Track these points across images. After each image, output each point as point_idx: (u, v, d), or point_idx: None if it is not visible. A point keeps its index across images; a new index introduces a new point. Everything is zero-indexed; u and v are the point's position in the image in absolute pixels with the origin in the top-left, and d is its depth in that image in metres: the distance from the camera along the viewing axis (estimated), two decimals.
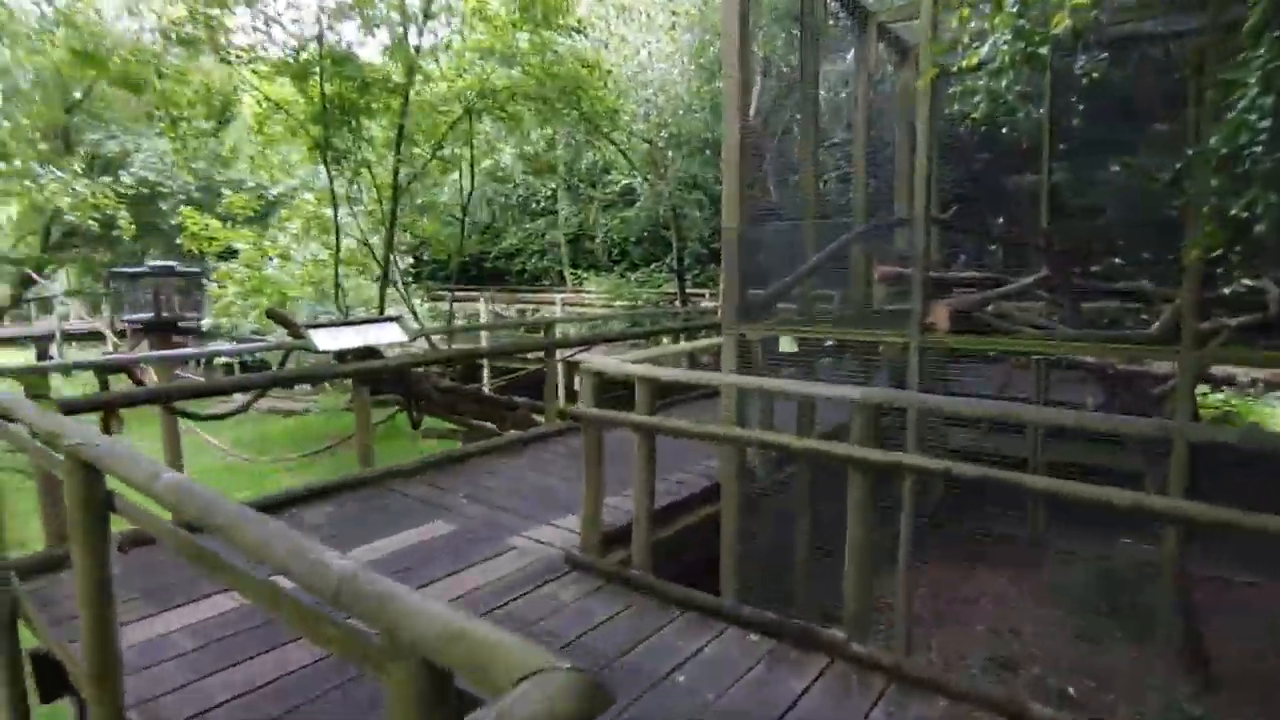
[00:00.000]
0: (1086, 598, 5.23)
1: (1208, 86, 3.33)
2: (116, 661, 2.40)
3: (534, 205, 19.94)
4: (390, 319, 5.94)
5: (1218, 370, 5.68)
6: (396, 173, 9.25)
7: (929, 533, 4.83)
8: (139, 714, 2.57)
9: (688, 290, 15.20)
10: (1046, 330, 4.76)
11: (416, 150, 9.85)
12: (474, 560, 4.00)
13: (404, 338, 5.78)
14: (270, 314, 5.92)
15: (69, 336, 19.26)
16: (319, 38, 8.28)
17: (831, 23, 6.89)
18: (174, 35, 7.51)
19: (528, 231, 19.95)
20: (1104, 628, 5.02)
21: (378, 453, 5.78)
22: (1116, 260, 6.79)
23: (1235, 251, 3.64)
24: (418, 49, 9.11)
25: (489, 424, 7.53)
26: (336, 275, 9.40)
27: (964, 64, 3.77)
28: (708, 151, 13.36)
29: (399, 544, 4.25)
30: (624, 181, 16.77)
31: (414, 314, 10.89)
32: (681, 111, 13.38)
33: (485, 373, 13.98)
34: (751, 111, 11.18)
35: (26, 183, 8.61)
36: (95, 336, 15.85)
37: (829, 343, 5.26)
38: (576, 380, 4.07)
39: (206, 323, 10.25)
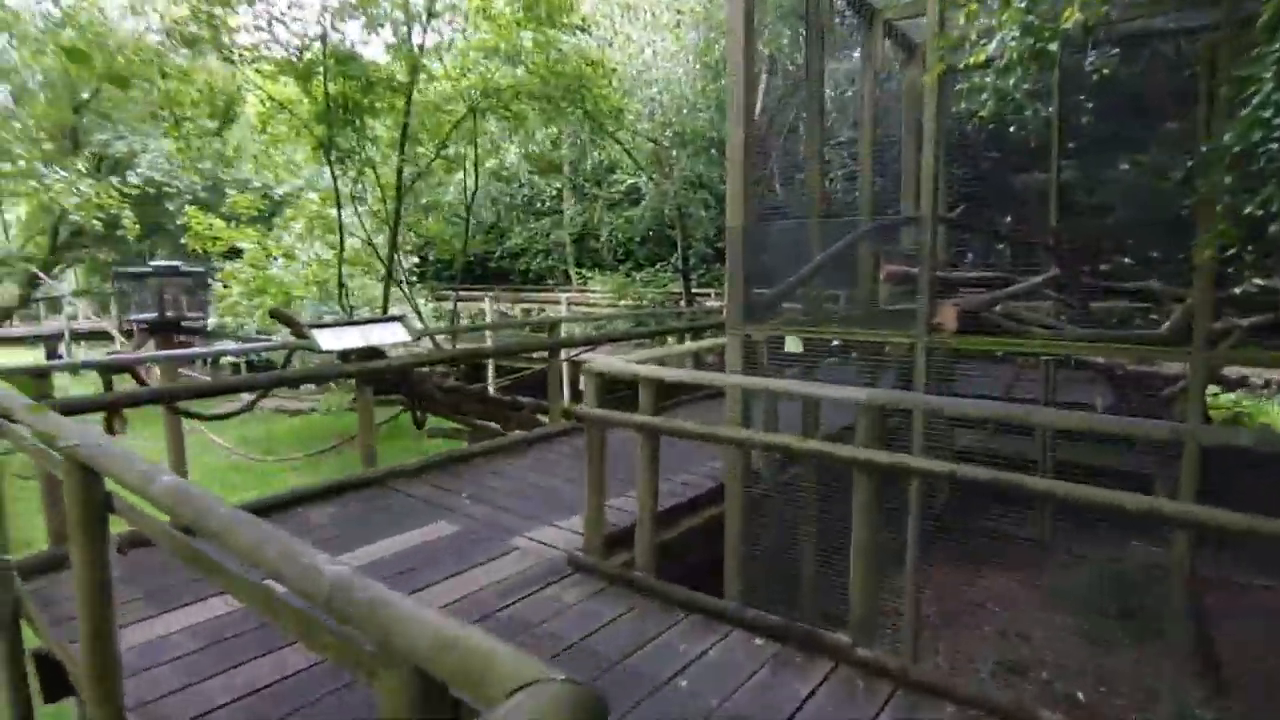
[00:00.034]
0: (1096, 601, 5.18)
1: (1221, 83, 3.27)
2: (116, 663, 2.39)
3: (539, 205, 19.92)
4: (394, 319, 5.93)
5: (1230, 371, 5.61)
6: (400, 172, 9.24)
7: (936, 535, 4.79)
8: (138, 716, 2.56)
9: (693, 290, 15.15)
10: (1055, 330, 4.70)
11: (421, 150, 9.84)
12: (477, 561, 3.98)
13: (407, 337, 5.76)
14: (274, 313, 5.91)
15: (77, 336, 19.36)
16: (323, 37, 8.27)
17: (838, 20, 6.85)
18: (177, 35, 7.51)
19: (532, 231, 19.93)
20: (1113, 631, 4.96)
21: (382, 452, 5.77)
22: (1126, 259, 6.73)
23: (1249, 250, 3.59)
24: (421, 48, 9.10)
25: (493, 424, 7.51)
26: (340, 275, 9.40)
27: (971, 61, 3.72)
28: (713, 150, 13.31)
29: (402, 544, 4.23)
30: (629, 181, 16.73)
31: (418, 313, 10.89)
32: (686, 110, 13.33)
33: (490, 372, 13.98)
34: (757, 110, 11.15)
35: (32, 183, 8.64)
36: (102, 336, 15.92)
37: (835, 343, 5.21)
38: (581, 380, 4.04)
39: (211, 322, 10.27)
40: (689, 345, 8.49)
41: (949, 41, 3.92)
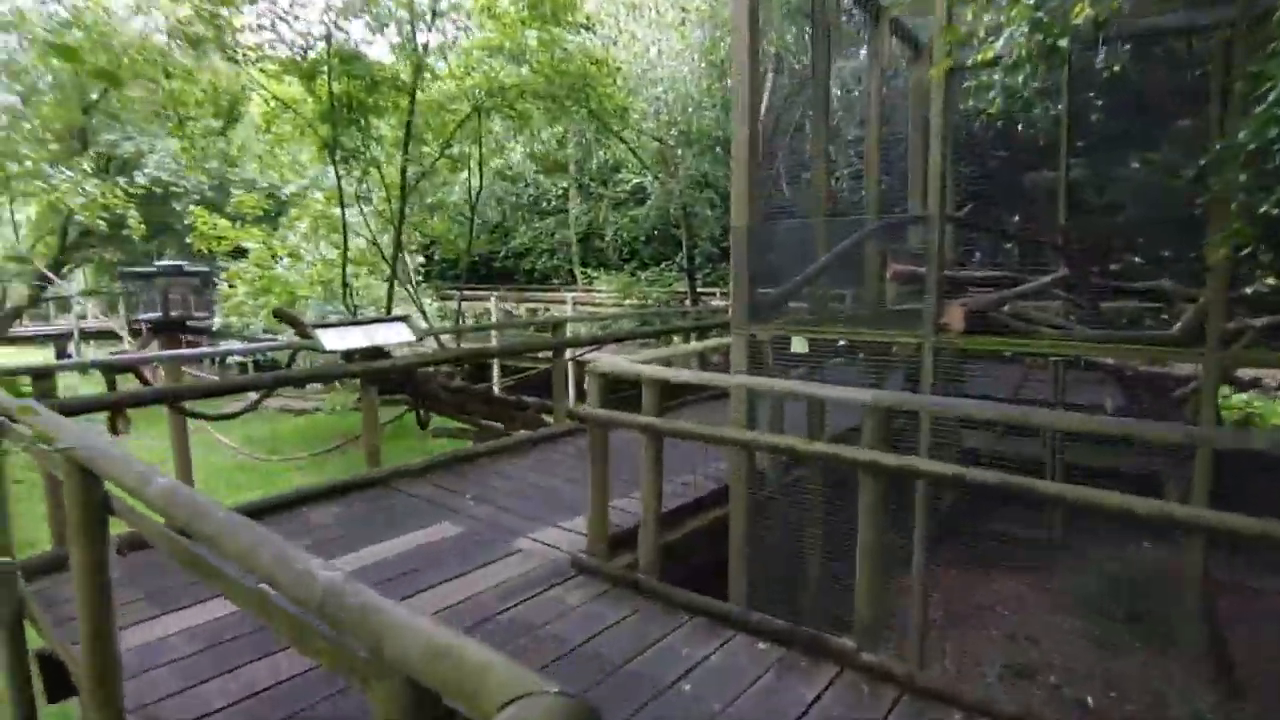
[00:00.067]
0: (1105, 603, 5.12)
1: (1235, 79, 3.22)
2: (116, 665, 2.37)
3: (545, 204, 19.91)
4: (398, 318, 5.92)
5: (1242, 373, 5.54)
6: (404, 172, 9.24)
7: (943, 537, 4.75)
8: (138, 718, 2.55)
9: (698, 289, 15.11)
10: (1064, 330, 4.65)
11: (425, 149, 9.83)
12: (480, 563, 3.96)
13: (411, 337, 5.75)
14: (278, 313, 5.91)
15: (86, 335, 19.48)
16: (327, 37, 8.27)
17: (844, 18, 6.80)
18: (182, 35, 7.52)
19: (537, 230, 19.92)
20: (1123, 635, 4.90)
21: (387, 451, 5.76)
22: (1135, 259, 6.66)
23: (1264, 249, 3.53)
24: (425, 46, 9.09)
25: (497, 424, 7.50)
26: (344, 275, 9.40)
27: (978, 58, 3.68)
28: (719, 149, 13.26)
29: (405, 545, 4.21)
30: (634, 180, 16.70)
31: (423, 313, 10.88)
32: (691, 109, 13.28)
33: (495, 372, 13.97)
34: (763, 109, 11.11)
35: (38, 183, 8.67)
36: (110, 335, 16.02)
37: (841, 343, 5.17)
38: (586, 379, 4.01)
39: (217, 322, 10.29)
40: (694, 345, 8.45)
41: (956, 36, 3.87)
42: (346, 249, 9.46)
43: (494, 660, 1.03)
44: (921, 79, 6.16)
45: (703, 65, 13.05)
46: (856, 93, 10.18)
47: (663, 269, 17.01)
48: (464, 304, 14.67)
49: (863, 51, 7.18)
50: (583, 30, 9.50)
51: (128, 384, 4.78)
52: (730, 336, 4.82)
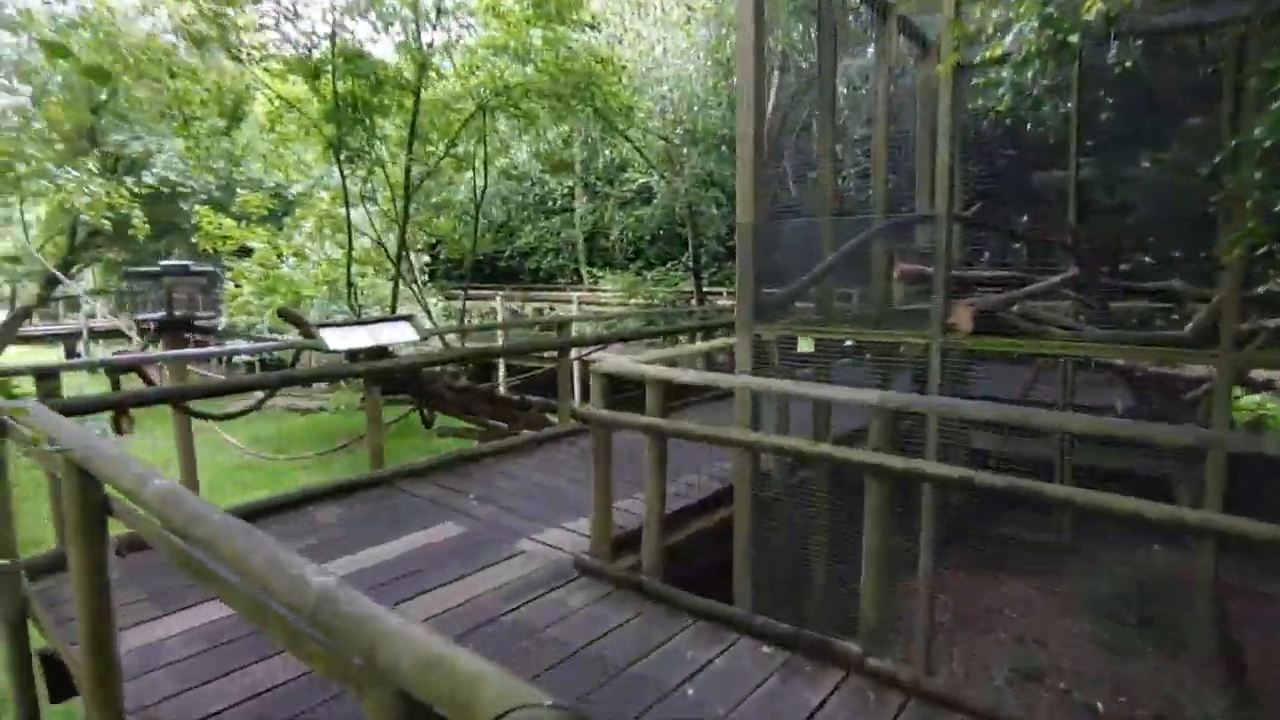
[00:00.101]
0: (1115, 607, 5.06)
1: (1250, 75, 3.16)
2: (115, 667, 2.36)
3: (550, 203, 19.90)
4: (402, 318, 5.90)
5: (1256, 374, 5.46)
6: (408, 171, 9.22)
7: (951, 539, 4.70)
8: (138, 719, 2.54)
9: (705, 289, 15.07)
10: (1074, 331, 4.59)
11: (430, 148, 9.82)
12: (483, 564, 3.94)
13: (416, 337, 5.74)
14: (282, 313, 5.91)
15: (95, 335, 19.61)
16: (331, 35, 8.26)
17: (851, 16, 6.75)
18: (186, 34, 7.52)
19: (543, 230, 19.91)
20: (1133, 638, 4.85)
21: (392, 450, 5.75)
22: (1146, 259, 6.58)
23: (1279, 248, 3.47)
24: (430, 45, 9.07)
25: (502, 424, 7.49)
26: (349, 274, 9.40)
27: (987, 55, 3.63)
28: (725, 148, 13.22)
29: (408, 546, 4.20)
30: (641, 179, 16.67)
31: (427, 313, 10.87)
32: (697, 108, 13.25)
33: (501, 371, 13.96)
34: (769, 107, 11.06)
35: (44, 182, 8.71)
36: (119, 335, 16.10)
37: (848, 343, 5.12)
38: (590, 379, 3.99)
39: (223, 322, 10.30)
40: (700, 345, 8.42)
41: (963, 31, 3.82)
42: (351, 248, 9.45)
43: (486, 671, 1.00)
44: (929, 77, 6.11)
45: (708, 63, 13.00)
46: (864, 91, 10.12)
47: (669, 268, 16.97)
48: (470, 303, 14.67)
49: (870, 49, 7.13)
50: (587, 29, 9.46)
51: (132, 384, 4.79)
52: (735, 336, 4.79)
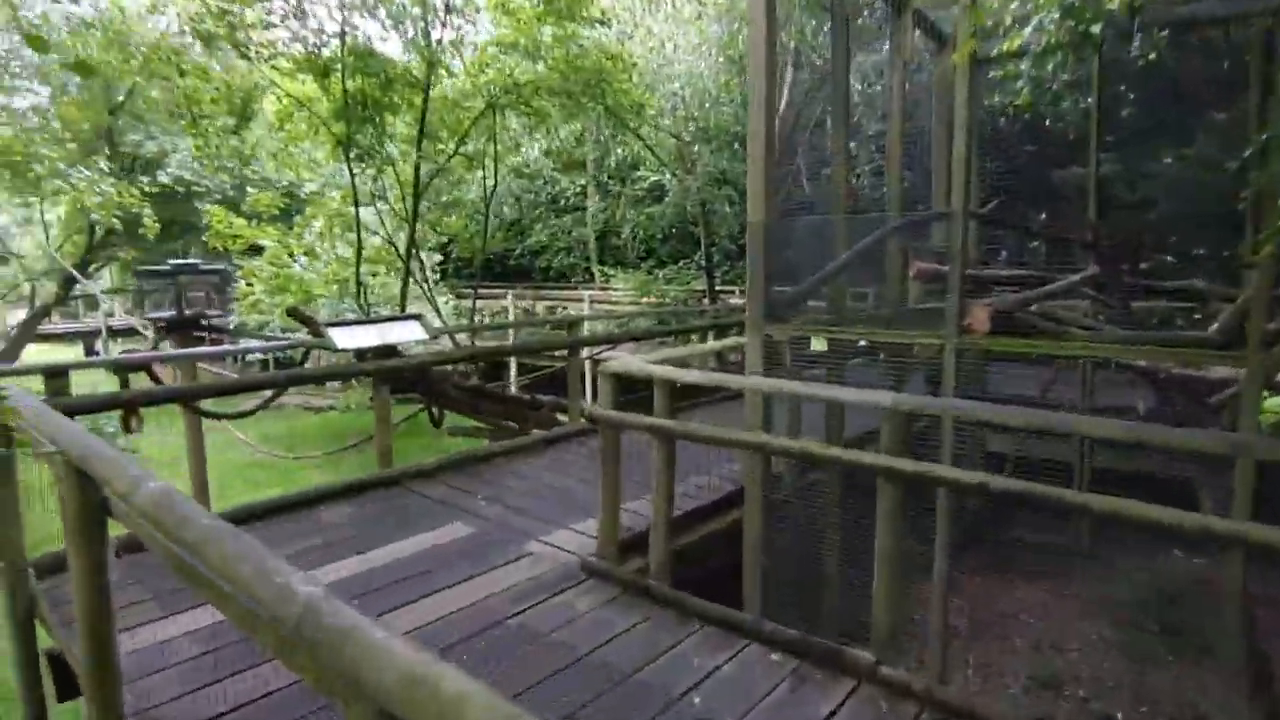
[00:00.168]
0: (1136, 613, 4.95)
1: (1279, 68, 3.04)
2: (115, 669, 2.34)
3: (562, 202, 19.87)
4: (411, 317, 5.88)
5: None
6: (418, 169, 9.21)
7: (966, 543, 4.61)
8: None
9: (717, 287, 14.98)
10: (1094, 331, 4.48)
11: (440, 146, 9.80)
12: (490, 565, 3.90)
13: (424, 336, 5.71)
14: (290, 312, 5.90)
15: (114, 332, 19.86)
16: (341, 33, 8.26)
17: (865, 11, 6.66)
18: (194, 32, 7.55)
19: (554, 228, 19.89)
20: (1154, 646, 4.73)
21: (402, 449, 5.72)
22: (1167, 257, 6.44)
23: None
24: (439, 42, 9.05)
25: (512, 423, 7.46)
26: (358, 273, 9.40)
27: (1005, 47, 3.54)
28: (737, 146, 13.11)
29: (416, 546, 4.17)
30: (653, 178, 16.60)
31: (437, 311, 10.86)
32: (709, 105, 13.16)
33: (513, 370, 13.96)
34: (782, 104, 10.97)
35: (58, 181, 8.79)
36: (134, 333, 16.28)
37: (861, 343, 5.04)
38: (598, 379, 3.94)
39: (234, 320, 10.35)
40: (711, 344, 8.34)
41: (980, 21, 3.71)
42: (360, 247, 9.46)
43: (471, 690, 0.95)
44: (945, 72, 6.00)
45: (720, 60, 12.91)
46: (878, 87, 10.00)
47: (680, 267, 16.90)
48: (481, 302, 14.66)
49: (885, 44, 7.02)
50: (598, 25, 9.39)
51: (141, 382, 4.79)
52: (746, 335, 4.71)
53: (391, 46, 9.42)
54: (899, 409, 2.90)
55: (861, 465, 2.94)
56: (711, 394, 7.75)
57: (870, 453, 2.99)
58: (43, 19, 8.51)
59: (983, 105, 5.10)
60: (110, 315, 20.14)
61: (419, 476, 5.33)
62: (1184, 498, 4.18)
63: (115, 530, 2.32)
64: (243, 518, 4.51)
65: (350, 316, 8.37)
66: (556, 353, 9.21)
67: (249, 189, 11.80)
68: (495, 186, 11.74)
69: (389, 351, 5.46)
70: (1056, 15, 3.03)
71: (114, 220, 9.13)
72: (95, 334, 20.58)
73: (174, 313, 6.07)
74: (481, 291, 14.34)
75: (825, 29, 9.23)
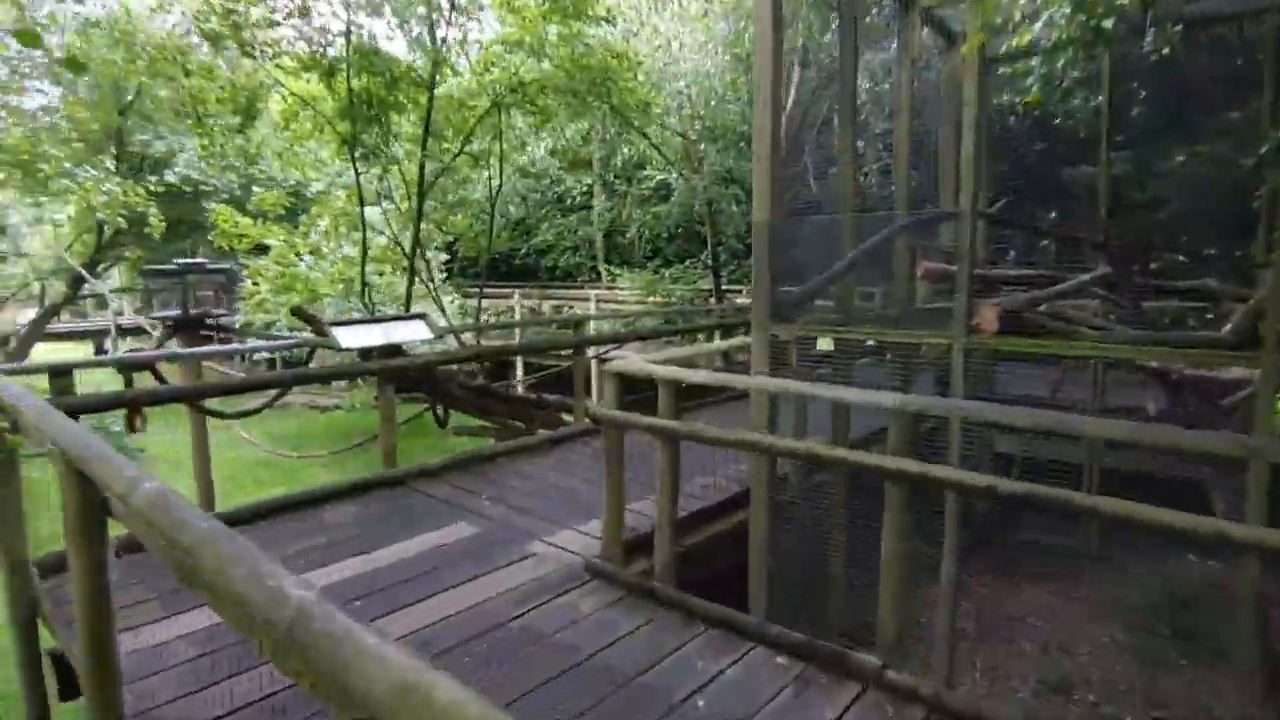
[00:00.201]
0: (1147, 616, 4.88)
1: None
2: (115, 669, 2.32)
3: (568, 201, 19.85)
4: (416, 316, 5.87)
5: None
6: (422, 168, 9.20)
7: (975, 545, 4.56)
8: None
9: (724, 287, 14.92)
10: (1104, 331, 4.43)
11: (445, 146, 9.79)
12: (494, 566, 3.88)
13: (429, 335, 5.70)
14: (295, 311, 5.90)
15: (123, 331, 19.97)
16: (346, 32, 8.26)
17: (873, 9, 6.61)
18: (200, 31, 7.56)
19: (560, 227, 19.87)
20: (1166, 649, 4.67)
21: (408, 449, 5.71)
22: (1179, 257, 6.37)
23: None
24: (444, 41, 9.04)
25: (518, 423, 7.44)
26: (363, 272, 9.40)
27: (1015, 42, 3.49)
28: (744, 145, 13.07)
29: (420, 546, 4.15)
30: (659, 177, 16.56)
31: (442, 310, 10.85)
32: (715, 103, 13.11)
33: (519, 369, 13.94)
34: (789, 103, 10.91)
35: (65, 181, 8.85)
36: (143, 332, 16.37)
37: (869, 343, 5.00)
38: (602, 379, 3.92)
39: (239, 319, 10.36)
40: (717, 344, 8.31)
41: (989, 10, 3.65)
42: (365, 247, 9.46)
43: (464, 699, 0.92)
44: (954, 70, 5.94)
45: (726, 59, 12.86)
46: (886, 86, 9.94)
47: (687, 266, 16.85)
48: (488, 302, 14.64)
49: (893, 43, 6.97)
50: (603, 23, 9.35)
51: (146, 381, 4.80)
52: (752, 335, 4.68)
53: (397, 45, 9.42)
54: (906, 410, 2.86)
55: (867, 467, 2.91)
56: (718, 394, 7.71)
57: (876, 454, 2.95)
58: (50, 19, 8.55)
59: (992, 103, 5.04)
60: (120, 314, 20.26)
61: (423, 476, 5.32)
62: (1196, 499, 4.12)
63: (116, 530, 2.32)
64: (248, 517, 4.51)
65: (356, 316, 8.37)
66: (562, 352, 9.19)
67: (255, 188, 11.83)
68: (501, 186, 11.72)
69: (394, 351, 5.45)
70: (1068, 10, 2.99)
71: (119, 219, 9.16)
72: (105, 333, 20.70)
73: (179, 312, 6.08)
74: (487, 291, 14.33)
75: (833, 27, 9.17)
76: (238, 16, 7.37)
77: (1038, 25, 3.21)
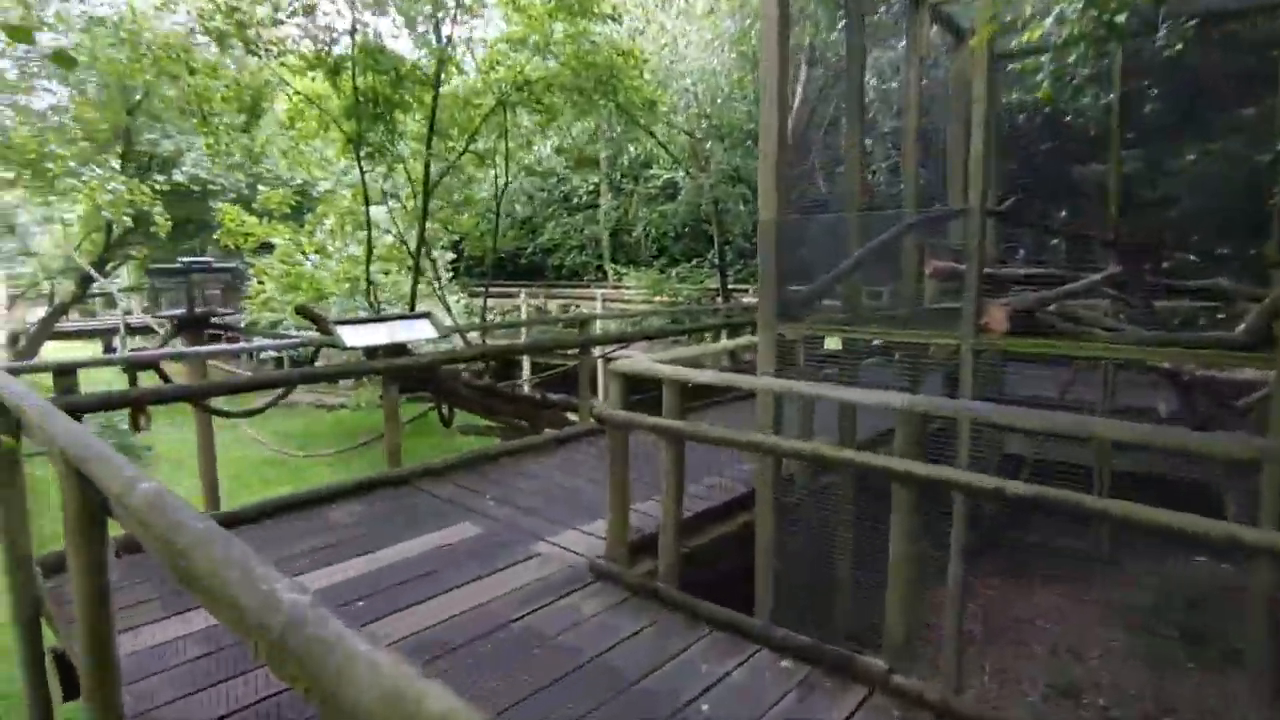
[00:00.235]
0: (1157, 620, 4.83)
1: None
2: (114, 669, 2.31)
3: (575, 200, 19.84)
4: (421, 315, 5.86)
5: None
6: (428, 167, 9.19)
7: (983, 548, 4.51)
8: None
9: (730, 286, 14.88)
10: (1115, 331, 4.37)
11: (451, 144, 9.78)
12: (497, 566, 3.86)
13: (434, 334, 5.68)
14: (300, 310, 5.90)
15: (131, 330, 20.09)
16: (351, 31, 8.26)
17: (881, 7, 6.56)
18: (204, 29, 7.57)
19: (566, 226, 19.85)
20: (1177, 652, 4.61)
21: (413, 448, 5.70)
22: (1191, 256, 6.30)
23: None
24: (449, 39, 9.03)
25: (523, 422, 7.43)
26: (368, 271, 9.40)
27: (1025, 38, 3.44)
28: (751, 143, 13.02)
29: (424, 546, 4.13)
30: (666, 175, 16.53)
31: (448, 310, 10.85)
32: (722, 102, 13.06)
33: (525, 369, 13.94)
34: (796, 101, 10.86)
35: (70, 180, 8.90)
36: (150, 331, 16.46)
37: (876, 342, 4.95)
38: (608, 379, 3.89)
39: (245, 318, 10.40)
40: (723, 343, 8.28)
41: (999, 4, 3.60)
42: (370, 246, 9.46)
43: (456, 709, 0.90)
44: (962, 68, 5.89)
45: (733, 57, 12.82)
46: (895, 84, 9.88)
47: (694, 265, 16.82)
48: (494, 301, 14.64)
49: (901, 41, 6.92)
50: (609, 21, 9.32)
51: (150, 380, 4.80)
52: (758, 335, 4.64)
53: (402, 44, 9.41)
54: (913, 410, 2.83)
55: (874, 468, 2.87)
56: (724, 394, 7.67)
57: (884, 455, 2.91)
58: (57, 18, 8.59)
59: (1001, 100, 4.99)
60: (129, 313, 20.38)
61: (428, 475, 5.31)
62: (1209, 501, 4.06)
63: (117, 530, 2.31)
64: (254, 515, 4.51)
65: (361, 315, 8.38)
66: (568, 351, 9.16)
67: (261, 187, 11.85)
68: (507, 184, 11.70)
69: (399, 350, 5.44)
70: (1079, 5, 2.94)
71: (125, 218, 9.20)
72: (114, 331, 20.83)
73: (184, 311, 6.09)
74: (493, 290, 14.32)
75: (840, 24, 9.11)
76: (242, 14, 7.38)
77: (1048, 21, 3.17)
